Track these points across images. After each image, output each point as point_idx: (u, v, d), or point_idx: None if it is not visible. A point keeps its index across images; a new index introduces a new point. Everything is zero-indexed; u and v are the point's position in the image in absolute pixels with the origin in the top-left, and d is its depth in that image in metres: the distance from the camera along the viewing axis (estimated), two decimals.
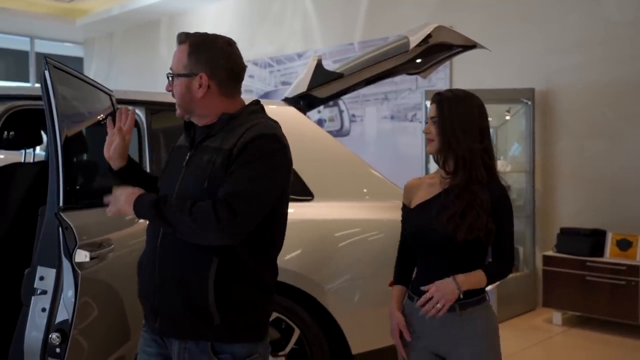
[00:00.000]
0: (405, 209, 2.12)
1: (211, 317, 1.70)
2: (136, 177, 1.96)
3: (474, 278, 1.91)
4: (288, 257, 2.73)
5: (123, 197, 1.76)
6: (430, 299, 1.88)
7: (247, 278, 1.74)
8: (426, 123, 2.07)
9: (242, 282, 1.73)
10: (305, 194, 2.88)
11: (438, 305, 1.87)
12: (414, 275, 2.09)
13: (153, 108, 2.90)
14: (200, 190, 1.69)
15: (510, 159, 5.53)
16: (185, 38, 1.79)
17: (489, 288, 2.02)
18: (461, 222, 1.89)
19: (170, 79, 1.81)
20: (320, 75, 3.26)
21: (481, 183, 1.94)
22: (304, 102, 3.32)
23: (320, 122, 6.93)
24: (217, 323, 1.70)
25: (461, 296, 1.90)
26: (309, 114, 3.38)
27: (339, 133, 6.98)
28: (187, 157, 1.80)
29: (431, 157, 2.13)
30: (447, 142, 1.95)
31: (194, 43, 1.77)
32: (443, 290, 1.87)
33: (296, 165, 2.87)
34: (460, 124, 1.94)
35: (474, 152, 1.94)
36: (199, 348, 1.73)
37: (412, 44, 3.20)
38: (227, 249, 1.70)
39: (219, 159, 1.70)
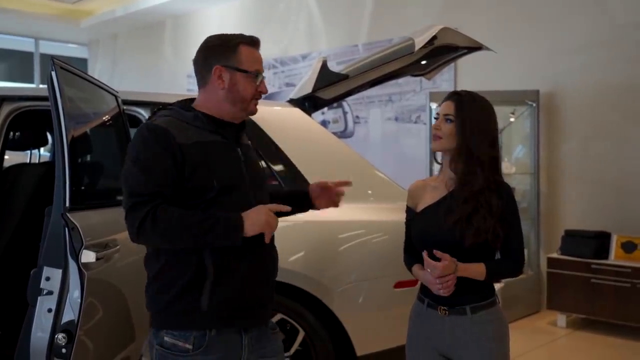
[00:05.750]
0: (410, 212, 2.11)
1: None
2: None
3: (473, 268, 1.91)
4: (292, 258, 2.73)
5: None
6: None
7: None
8: (436, 118, 2.01)
9: None
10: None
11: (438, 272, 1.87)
12: None
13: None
14: (265, 183, 2.03)
15: (514, 161, 5.52)
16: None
17: (496, 289, 2.02)
18: (467, 225, 1.89)
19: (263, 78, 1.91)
20: (326, 77, 3.26)
21: (491, 189, 1.93)
22: (309, 103, 3.32)
23: (324, 124, 6.93)
24: None
25: (469, 308, 1.90)
26: (312, 115, 3.38)
27: (343, 134, 6.98)
28: (240, 153, 1.89)
29: (435, 159, 2.11)
30: (464, 144, 1.94)
31: None
32: (447, 269, 1.87)
33: (301, 166, 2.91)
34: (479, 129, 1.94)
35: (491, 159, 1.95)
36: (260, 329, 1.90)
37: (418, 46, 3.20)
38: None
39: (255, 155, 2.02)
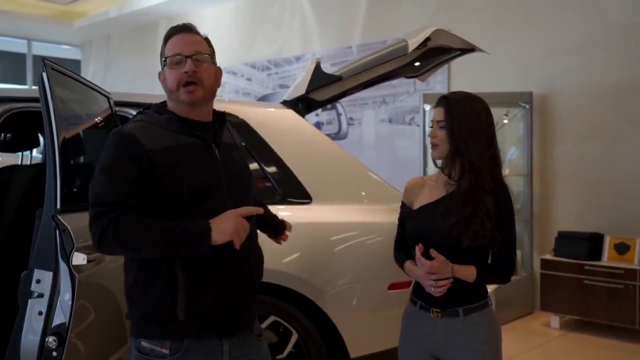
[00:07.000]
0: (406, 209, 2.09)
1: None
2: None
3: (464, 270, 1.90)
4: (286, 260, 2.72)
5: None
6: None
7: None
8: (430, 126, 2.01)
9: None
10: (303, 197, 2.88)
11: (433, 277, 1.89)
12: (413, 281, 2.08)
13: None
14: (251, 183, 1.93)
15: (508, 163, 5.52)
16: (197, 30, 1.82)
17: (489, 291, 2.02)
18: (465, 228, 1.88)
19: (197, 60, 1.75)
20: (319, 78, 3.25)
21: (486, 190, 1.92)
22: (302, 104, 3.31)
23: (317, 125, 6.92)
24: None
25: (461, 310, 1.90)
26: (306, 117, 3.37)
27: (337, 136, 6.97)
28: (217, 154, 1.79)
29: (430, 160, 2.11)
30: (455, 149, 1.92)
31: (205, 37, 1.84)
32: (441, 269, 1.88)
33: (294, 168, 2.91)
34: (469, 130, 1.91)
35: (483, 159, 1.91)
36: (244, 335, 1.84)
37: (411, 47, 3.20)
38: None
39: (240, 154, 1.91)
